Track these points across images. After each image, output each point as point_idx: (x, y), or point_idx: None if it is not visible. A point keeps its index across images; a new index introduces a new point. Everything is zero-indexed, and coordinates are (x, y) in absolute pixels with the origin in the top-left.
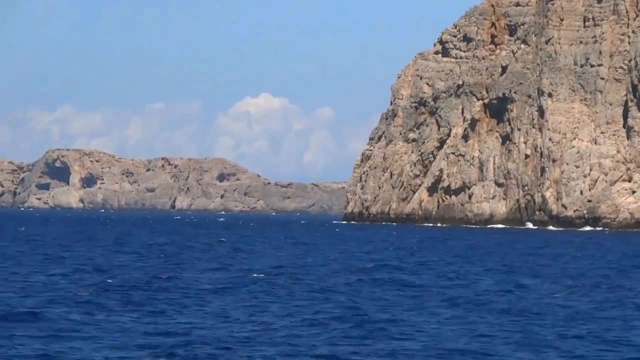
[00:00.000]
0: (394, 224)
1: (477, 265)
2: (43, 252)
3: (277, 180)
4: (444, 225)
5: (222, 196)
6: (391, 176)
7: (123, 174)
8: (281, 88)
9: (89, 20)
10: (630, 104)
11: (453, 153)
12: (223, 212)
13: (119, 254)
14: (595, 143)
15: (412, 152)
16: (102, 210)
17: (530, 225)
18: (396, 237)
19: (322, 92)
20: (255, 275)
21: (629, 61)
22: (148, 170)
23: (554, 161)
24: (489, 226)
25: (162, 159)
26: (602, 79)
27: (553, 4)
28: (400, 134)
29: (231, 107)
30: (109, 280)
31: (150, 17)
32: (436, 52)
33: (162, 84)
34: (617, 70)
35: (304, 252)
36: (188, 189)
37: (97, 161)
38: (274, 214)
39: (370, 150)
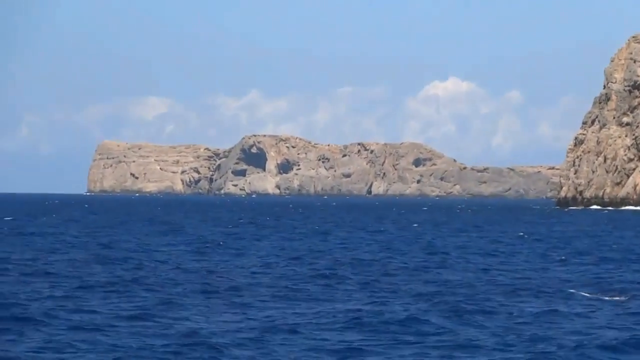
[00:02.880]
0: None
1: None
2: None
3: (472, 165)
4: None
5: (418, 181)
6: (605, 160)
7: (319, 159)
8: (469, 72)
9: (275, 9)
10: None
11: None
12: (419, 197)
13: None
14: None
15: (626, 136)
16: (301, 198)
17: None
18: None
19: (511, 76)
20: None
21: None
22: (344, 155)
23: None
24: None
25: (358, 144)
26: None
27: None
28: (614, 117)
29: (420, 91)
30: None
31: (334, 3)
32: None
33: (349, 68)
34: None
35: None
36: (384, 174)
37: (293, 147)
38: (468, 198)
39: (584, 134)
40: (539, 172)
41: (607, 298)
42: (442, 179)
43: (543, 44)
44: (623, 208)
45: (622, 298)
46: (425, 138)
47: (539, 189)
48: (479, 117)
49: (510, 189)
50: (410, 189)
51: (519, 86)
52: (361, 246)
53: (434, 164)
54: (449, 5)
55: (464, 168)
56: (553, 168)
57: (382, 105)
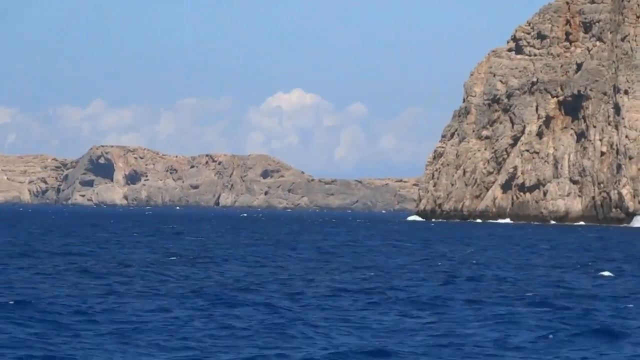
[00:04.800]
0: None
1: None
2: None
3: (320, 177)
4: (519, 222)
5: (266, 193)
6: (464, 173)
7: (167, 170)
8: (313, 84)
9: (117, 16)
10: None
11: (527, 150)
12: (268, 209)
13: None
14: None
15: (485, 149)
16: (148, 207)
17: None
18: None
19: (355, 89)
20: None
21: None
22: (192, 167)
23: (630, 158)
24: (566, 224)
25: (206, 155)
26: None
27: (629, 1)
28: (474, 131)
29: (263, 103)
30: None
31: (180, 12)
32: (509, 50)
33: (192, 79)
34: None
35: None
36: (232, 185)
37: (141, 158)
38: (317, 210)
39: (443, 147)
40: (387, 184)
41: None
42: (289, 190)
43: (387, 58)
44: (498, 221)
45: None
46: (268, 150)
47: (387, 201)
48: (322, 129)
49: (357, 201)
50: (258, 200)
51: (363, 99)
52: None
53: (282, 176)
54: (294, 16)
55: (312, 180)
56: (401, 181)
57: (225, 117)
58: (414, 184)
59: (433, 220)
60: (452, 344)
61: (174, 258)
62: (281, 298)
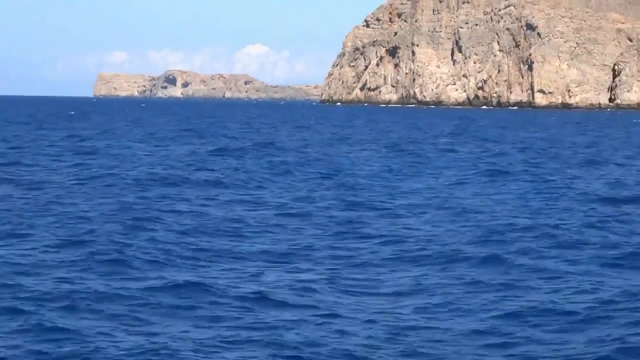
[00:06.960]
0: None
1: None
2: None
3: (271, 84)
4: (367, 105)
5: (246, 91)
6: (342, 82)
7: (201, 81)
8: (265, 39)
9: None
10: (455, 50)
11: (371, 72)
12: (247, 99)
13: None
14: (439, 67)
15: (352, 72)
16: (192, 99)
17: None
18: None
19: (286, 41)
20: None
21: (454, 29)
22: (212, 79)
23: (419, 75)
24: (390, 105)
25: (219, 74)
26: (442, 38)
27: (418, 3)
28: (347, 63)
29: (243, 49)
30: None
31: None
32: (364, 25)
33: (208, 35)
34: (448, 34)
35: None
36: (231, 88)
37: (189, 75)
38: (270, 100)
39: (332, 71)
40: (301, 87)
41: None
42: (257, 90)
43: (208, 24)
44: (358, 105)
45: None
46: (248, 72)
47: (300, 95)
48: (269, 62)
49: (287, 95)
50: (242, 95)
51: (289, 47)
52: None
53: (253, 84)
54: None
55: (267, 86)
56: (308, 86)
57: (225, 57)
58: (314, 87)
59: (333, 103)
60: None
61: None
62: None
